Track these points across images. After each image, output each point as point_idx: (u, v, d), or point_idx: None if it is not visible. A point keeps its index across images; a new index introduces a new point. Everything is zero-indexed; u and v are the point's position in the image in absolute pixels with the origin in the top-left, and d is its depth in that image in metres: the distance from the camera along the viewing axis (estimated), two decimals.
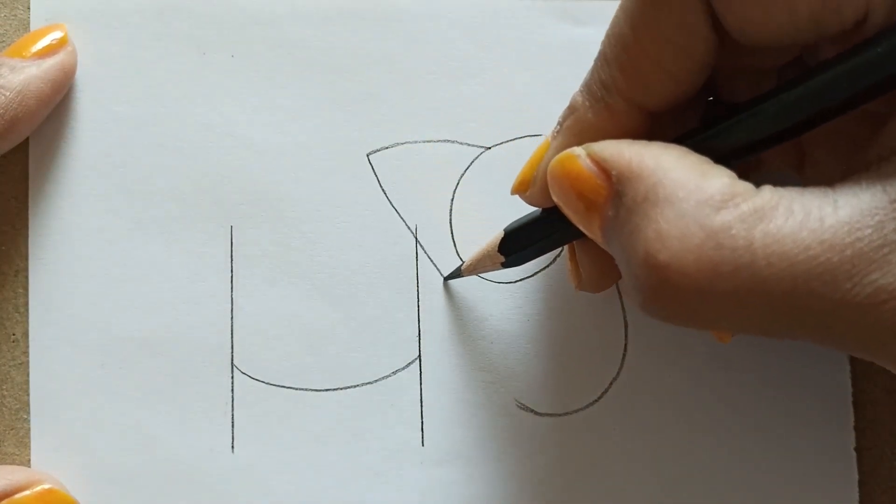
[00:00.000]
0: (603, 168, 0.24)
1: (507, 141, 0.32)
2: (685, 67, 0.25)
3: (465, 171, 0.32)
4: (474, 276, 0.32)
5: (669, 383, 0.32)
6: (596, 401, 0.32)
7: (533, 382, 0.32)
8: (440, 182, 0.32)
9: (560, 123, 0.27)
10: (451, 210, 0.32)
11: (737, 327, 0.23)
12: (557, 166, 0.25)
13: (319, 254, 0.32)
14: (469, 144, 0.32)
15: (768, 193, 0.22)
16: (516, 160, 0.32)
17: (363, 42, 0.32)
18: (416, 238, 0.32)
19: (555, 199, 0.26)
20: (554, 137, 0.27)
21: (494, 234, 0.30)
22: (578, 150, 0.25)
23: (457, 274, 0.32)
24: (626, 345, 0.32)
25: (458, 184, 0.32)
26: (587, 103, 0.26)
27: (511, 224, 0.29)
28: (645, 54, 0.25)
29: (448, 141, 0.32)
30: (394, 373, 0.32)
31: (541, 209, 0.28)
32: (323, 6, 0.32)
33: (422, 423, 0.32)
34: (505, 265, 0.30)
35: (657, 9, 0.24)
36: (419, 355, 0.32)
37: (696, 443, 0.32)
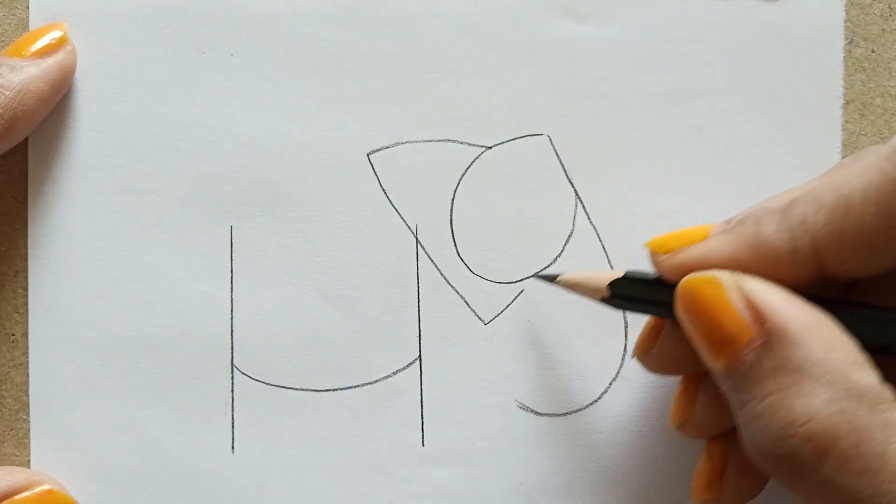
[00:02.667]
0: (757, 312, 0.24)
1: (508, 140, 0.32)
2: (888, 259, 0.25)
3: (466, 171, 0.32)
4: (475, 277, 0.32)
5: (669, 384, 0.32)
6: (596, 401, 0.32)
7: (533, 383, 0.32)
8: (440, 182, 0.32)
9: (731, 223, 0.26)
10: (451, 210, 0.32)
11: None
12: (699, 287, 0.25)
13: (319, 254, 0.32)
14: (469, 144, 0.32)
15: None
16: (517, 160, 0.32)
17: (363, 41, 0.32)
18: (417, 238, 0.32)
19: (681, 310, 0.26)
20: (723, 231, 0.26)
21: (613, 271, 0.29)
22: (728, 280, 0.25)
23: (549, 278, 0.30)
24: (626, 345, 0.32)
25: (458, 184, 0.32)
26: (777, 227, 0.25)
27: (634, 271, 0.29)
28: (861, 230, 0.24)
29: (448, 141, 0.32)
30: (394, 373, 0.32)
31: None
32: (323, 5, 0.32)
33: (422, 423, 0.32)
34: (604, 301, 0.29)
35: None
36: (419, 355, 0.32)
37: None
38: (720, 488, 0.28)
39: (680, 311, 0.26)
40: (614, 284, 0.28)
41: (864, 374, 0.23)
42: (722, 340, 0.24)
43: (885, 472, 0.22)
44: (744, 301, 0.24)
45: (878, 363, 0.24)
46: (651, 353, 0.29)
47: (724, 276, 0.25)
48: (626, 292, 0.28)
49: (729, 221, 0.27)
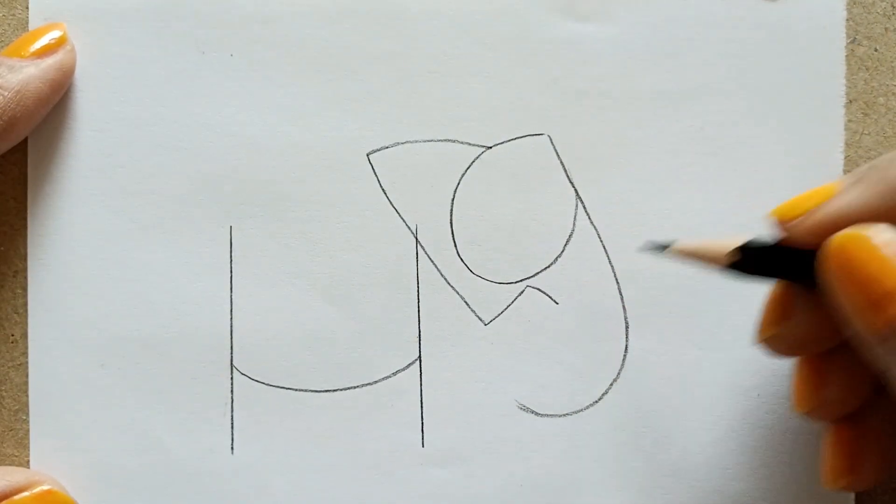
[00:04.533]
0: None
1: (508, 140, 0.32)
2: None
3: (466, 170, 0.32)
4: (475, 277, 0.32)
5: (670, 384, 0.32)
6: (596, 401, 0.32)
7: (533, 383, 0.32)
8: (440, 182, 0.32)
9: (858, 175, 0.25)
10: (451, 210, 0.32)
11: None
12: (850, 242, 0.24)
13: (319, 254, 0.32)
14: (470, 144, 0.32)
15: None
16: (517, 160, 0.32)
17: (363, 41, 0.32)
18: (417, 238, 0.32)
19: (829, 271, 0.24)
20: (853, 183, 0.25)
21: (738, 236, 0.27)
22: (885, 235, 0.23)
23: (661, 247, 0.28)
24: (626, 345, 0.32)
25: (458, 184, 0.32)
26: None
27: (758, 238, 0.27)
28: None
29: (448, 140, 0.32)
30: (394, 373, 0.32)
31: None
32: (323, 5, 0.32)
33: (422, 423, 0.32)
34: (730, 267, 0.27)
35: None
36: (419, 355, 0.32)
37: (696, 443, 0.32)
38: (856, 471, 0.27)
39: (832, 272, 0.24)
40: (744, 249, 0.26)
41: None
42: (881, 299, 0.23)
43: None
44: None
45: None
46: (780, 332, 0.27)
47: (881, 230, 0.23)
48: (754, 258, 0.26)
49: (853, 174, 0.25)
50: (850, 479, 0.27)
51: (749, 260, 0.26)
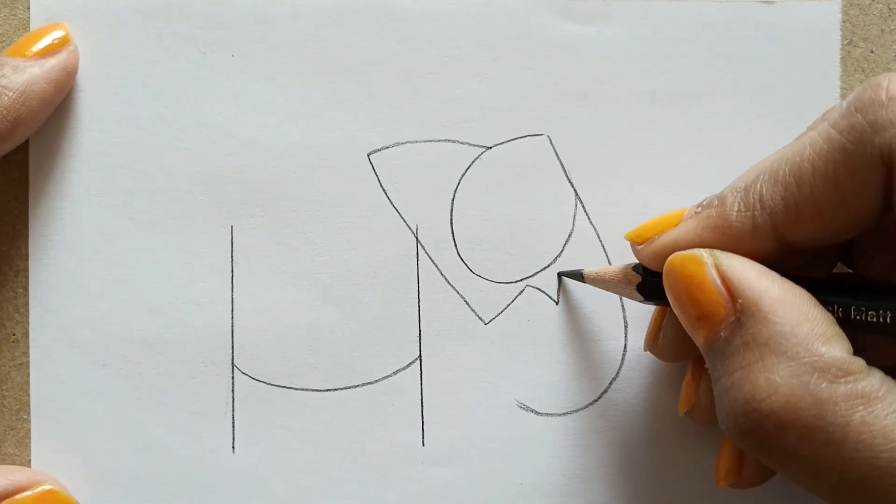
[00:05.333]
0: (730, 289, 0.25)
1: (508, 140, 0.32)
2: (844, 225, 0.25)
3: (466, 171, 0.32)
4: (475, 277, 0.32)
5: (669, 383, 0.32)
6: (596, 401, 0.32)
7: (533, 382, 0.32)
8: (440, 182, 0.32)
9: (701, 207, 0.27)
10: (451, 210, 0.32)
11: (803, 485, 0.24)
12: (679, 265, 0.26)
13: (319, 254, 0.32)
14: (470, 144, 0.32)
15: (878, 381, 0.23)
16: (517, 160, 0.32)
17: (363, 41, 0.32)
18: (417, 238, 0.32)
19: (666, 289, 0.27)
20: (690, 216, 0.27)
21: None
22: (706, 258, 0.25)
23: (575, 275, 0.31)
24: (625, 345, 0.32)
25: (458, 184, 0.32)
26: (738, 207, 0.26)
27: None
28: (814, 201, 0.25)
29: (449, 141, 0.32)
30: (394, 372, 0.32)
31: None
32: (323, 6, 0.32)
33: (422, 423, 0.32)
34: (639, 288, 0.29)
35: (845, 170, 0.24)
36: (419, 355, 0.32)
37: (696, 443, 0.32)
38: (741, 470, 0.29)
39: (666, 291, 0.27)
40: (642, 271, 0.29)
41: (831, 348, 0.23)
42: (701, 317, 0.25)
43: (848, 441, 0.22)
44: (720, 278, 0.25)
45: (873, 340, 0.25)
46: (658, 343, 0.30)
47: (703, 254, 0.26)
48: (646, 283, 0.29)
49: (699, 204, 0.28)
50: (736, 477, 0.29)
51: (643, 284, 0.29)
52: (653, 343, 0.30)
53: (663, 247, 0.27)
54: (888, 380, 0.23)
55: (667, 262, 0.27)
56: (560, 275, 0.32)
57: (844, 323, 0.25)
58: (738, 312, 0.24)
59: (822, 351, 0.23)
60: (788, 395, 0.23)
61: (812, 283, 0.25)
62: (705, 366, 0.26)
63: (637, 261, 0.29)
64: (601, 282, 0.30)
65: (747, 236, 0.26)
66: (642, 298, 0.29)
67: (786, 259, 0.26)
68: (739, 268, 0.25)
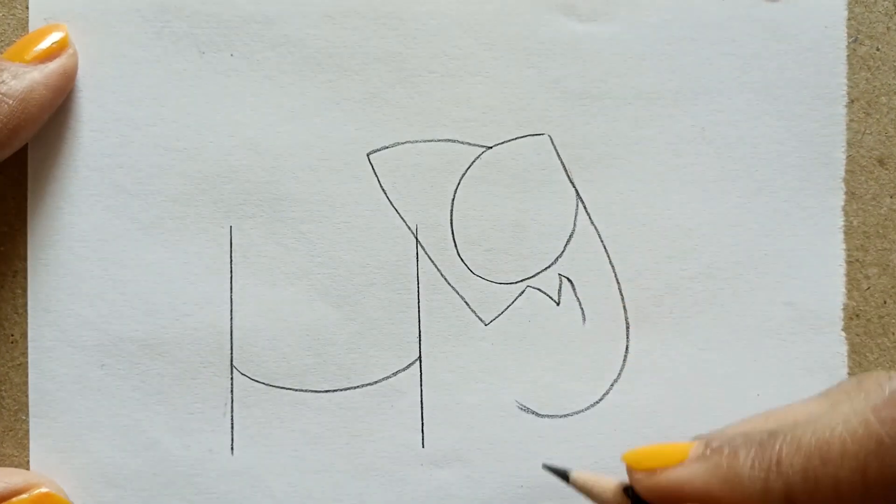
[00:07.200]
0: None
1: (509, 140, 0.32)
2: None
3: (466, 171, 0.32)
4: (475, 277, 0.32)
5: (670, 384, 0.32)
6: (597, 402, 0.32)
7: (534, 384, 0.32)
8: (440, 182, 0.32)
9: (710, 449, 0.26)
10: (451, 210, 0.32)
11: None
12: None
13: (319, 254, 0.32)
14: (470, 144, 0.32)
15: None
16: (518, 160, 0.32)
17: (363, 41, 0.32)
18: (417, 238, 0.32)
19: None
20: (696, 458, 0.26)
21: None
22: None
23: (560, 474, 0.29)
24: (626, 346, 0.32)
25: (458, 184, 0.32)
26: (751, 465, 0.25)
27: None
28: (836, 482, 0.24)
29: (449, 141, 0.32)
30: (394, 373, 0.32)
31: None
32: (323, 5, 0.32)
33: (422, 424, 0.32)
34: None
35: (877, 462, 0.23)
36: (419, 356, 0.32)
37: None
38: None
39: None
40: (626, 490, 0.28)
41: None
42: None
43: None
44: None
45: None
46: None
47: None
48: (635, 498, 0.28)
49: (707, 444, 0.26)
50: None
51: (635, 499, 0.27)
52: None
53: (667, 487, 0.26)
54: None
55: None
56: (545, 467, 0.30)
57: None
58: None
59: None
60: None
61: None
62: None
63: (628, 482, 0.28)
64: (587, 492, 0.29)
65: (757, 496, 0.25)
66: None
67: None
68: None
